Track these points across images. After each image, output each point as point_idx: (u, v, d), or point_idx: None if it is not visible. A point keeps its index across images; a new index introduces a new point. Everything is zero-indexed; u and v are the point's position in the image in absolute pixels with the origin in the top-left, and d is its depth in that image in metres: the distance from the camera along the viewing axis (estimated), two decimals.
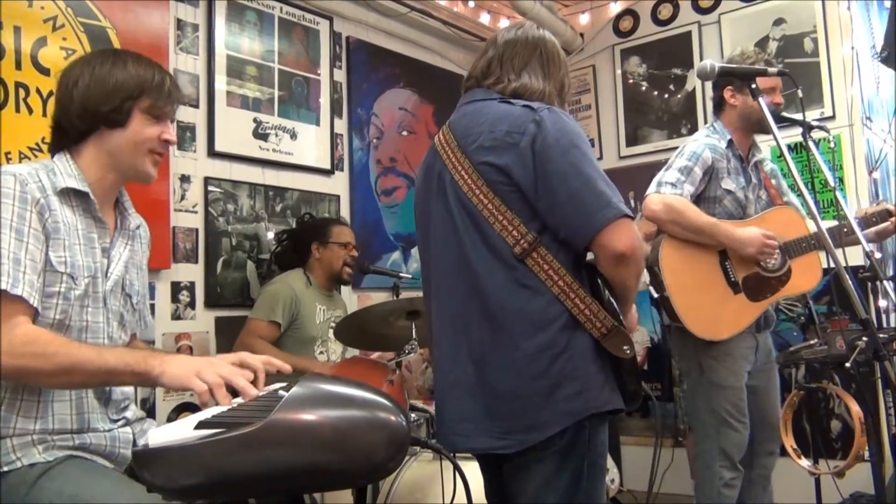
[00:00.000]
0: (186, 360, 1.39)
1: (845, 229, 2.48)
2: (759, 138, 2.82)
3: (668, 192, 2.56)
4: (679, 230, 2.57)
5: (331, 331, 3.16)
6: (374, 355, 3.29)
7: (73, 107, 1.53)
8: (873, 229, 2.68)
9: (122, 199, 1.68)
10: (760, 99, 1.87)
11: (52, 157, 1.58)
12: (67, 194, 1.51)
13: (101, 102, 1.53)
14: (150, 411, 2.86)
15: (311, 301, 3.12)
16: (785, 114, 2.69)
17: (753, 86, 1.85)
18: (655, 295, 2.61)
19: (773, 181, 2.82)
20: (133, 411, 1.64)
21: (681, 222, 2.55)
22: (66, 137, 1.57)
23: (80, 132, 1.55)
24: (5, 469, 1.39)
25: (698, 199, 2.64)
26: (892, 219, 2.64)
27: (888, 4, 3.72)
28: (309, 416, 1.08)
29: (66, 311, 1.46)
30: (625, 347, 1.58)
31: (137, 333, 1.74)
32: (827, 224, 2.01)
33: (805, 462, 2.87)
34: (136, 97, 1.55)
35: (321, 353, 3.14)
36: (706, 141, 2.67)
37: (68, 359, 1.35)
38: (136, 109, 1.55)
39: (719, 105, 2.77)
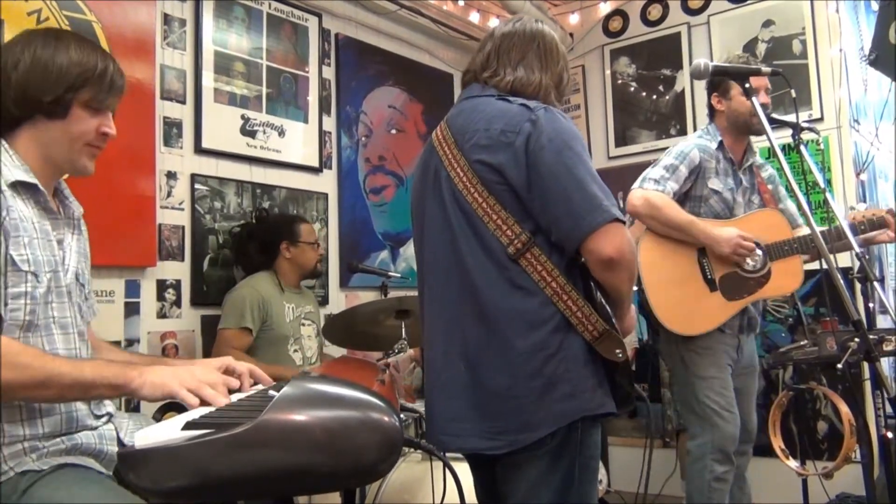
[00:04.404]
0: (166, 368, 1.34)
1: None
2: (753, 139, 2.85)
3: (651, 188, 2.62)
4: (658, 226, 2.63)
5: (302, 327, 3.10)
6: (359, 355, 3.26)
7: (11, 92, 1.43)
8: (862, 237, 2.70)
9: (61, 187, 1.59)
10: (753, 98, 1.87)
11: None
12: (16, 187, 1.42)
13: (41, 91, 1.43)
14: (134, 411, 2.82)
15: (278, 301, 3.03)
16: (774, 115, 2.71)
17: (747, 85, 1.85)
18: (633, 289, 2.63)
19: (771, 187, 2.85)
20: (112, 406, 1.60)
21: (659, 218, 2.61)
22: None
23: (15, 119, 1.46)
24: None
25: (685, 198, 2.71)
26: (886, 230, 2.65)
27: (876, 7, 3.73)
28: (300, 417, 1.06)
29: (35, 311, 1.39)
30: (617, 351, 1.57)
31: (90, 321, 1.67)
32: (819, 230, 2.02)
33: (793, 463, 2.88)
34: (77, 88, 1.46)
35: (295, 350, 3.07)
36: (696, 141, 2.74)
37: (42, 372, 1.28)
38: (76, 101, 1.46)
39: (711, 111, 2.85)
